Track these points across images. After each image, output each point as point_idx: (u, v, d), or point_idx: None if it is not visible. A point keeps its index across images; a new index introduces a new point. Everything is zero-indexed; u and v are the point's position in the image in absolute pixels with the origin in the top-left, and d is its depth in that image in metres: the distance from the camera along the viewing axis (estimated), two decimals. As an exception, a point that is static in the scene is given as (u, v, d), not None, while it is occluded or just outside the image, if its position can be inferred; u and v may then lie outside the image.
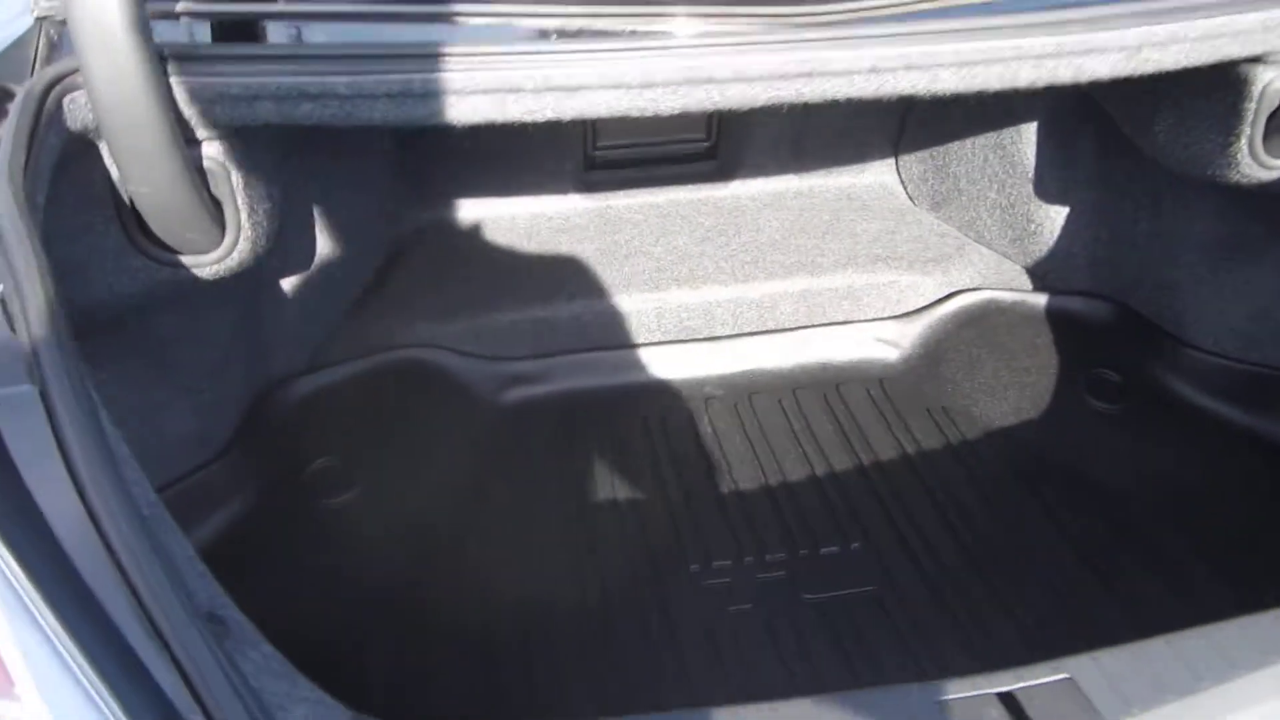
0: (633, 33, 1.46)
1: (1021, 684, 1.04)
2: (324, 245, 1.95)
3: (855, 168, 2.58)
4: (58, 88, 1.26)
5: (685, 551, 1.84)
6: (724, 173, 2.54)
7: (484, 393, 2.17)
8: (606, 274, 2.27)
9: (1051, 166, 2.20)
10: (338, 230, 1.97)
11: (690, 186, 2.54)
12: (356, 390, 2.03)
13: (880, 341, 2.31)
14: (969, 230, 2.40)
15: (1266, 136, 1.63)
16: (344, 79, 1.30)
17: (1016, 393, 2.16)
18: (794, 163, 2.56)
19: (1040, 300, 2.28)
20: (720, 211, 2.49)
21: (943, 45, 1.44)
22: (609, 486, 2.00)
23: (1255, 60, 1.56)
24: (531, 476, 2.03)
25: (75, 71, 1.24)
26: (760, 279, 2.27)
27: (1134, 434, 2.07)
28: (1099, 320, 2.22)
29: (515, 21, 1.45)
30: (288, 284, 1.90)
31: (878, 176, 2.59)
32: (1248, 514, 1.88)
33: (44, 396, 0.89)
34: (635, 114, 1.43)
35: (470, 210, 2.43)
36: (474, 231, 2.39)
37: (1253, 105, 1.60)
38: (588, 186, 2.48)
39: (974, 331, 2.28)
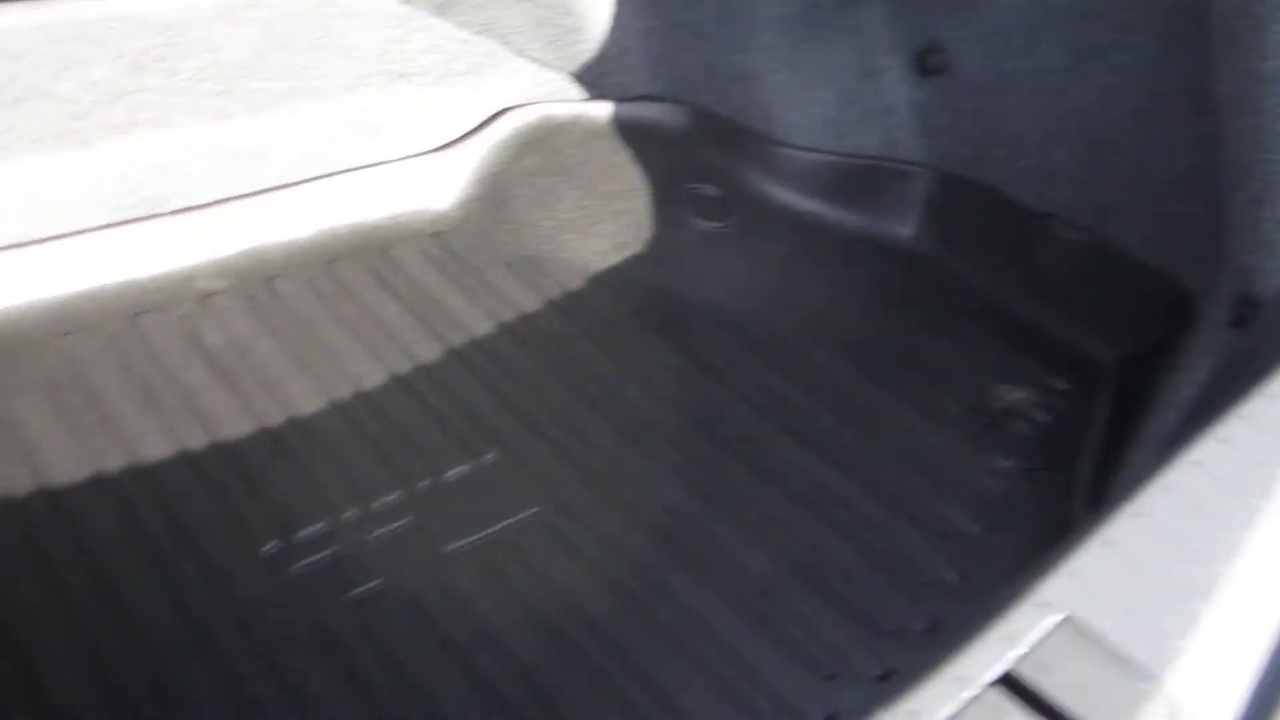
0: None
1: (1014, 652, 0.63)
2: None
3: None
4: None
5: (251, 528, 1.20)
6: None
7: None
8: None
9: None
10: None
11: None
12: None
13: (423, 185, 1.74)
14: (489, 34, 1.88)
15: None
16: None
17: (611, 225, 1.74)
18: None
19: (603, 111, 1.86)
20: (151, 29, 1.70)
21: None
22: (92, 461, 1.26)
23: None
24: None
25: None
26: (240, 115, 1.57)
27: (744, 250, 1.77)
28: (678, 127, 1.86)
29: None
30: None
31: None
32: (873, 323, 1.67)
33: None
34: None
35: None
36: None
37: None
38: None
39: (537, 158, 1.80)
